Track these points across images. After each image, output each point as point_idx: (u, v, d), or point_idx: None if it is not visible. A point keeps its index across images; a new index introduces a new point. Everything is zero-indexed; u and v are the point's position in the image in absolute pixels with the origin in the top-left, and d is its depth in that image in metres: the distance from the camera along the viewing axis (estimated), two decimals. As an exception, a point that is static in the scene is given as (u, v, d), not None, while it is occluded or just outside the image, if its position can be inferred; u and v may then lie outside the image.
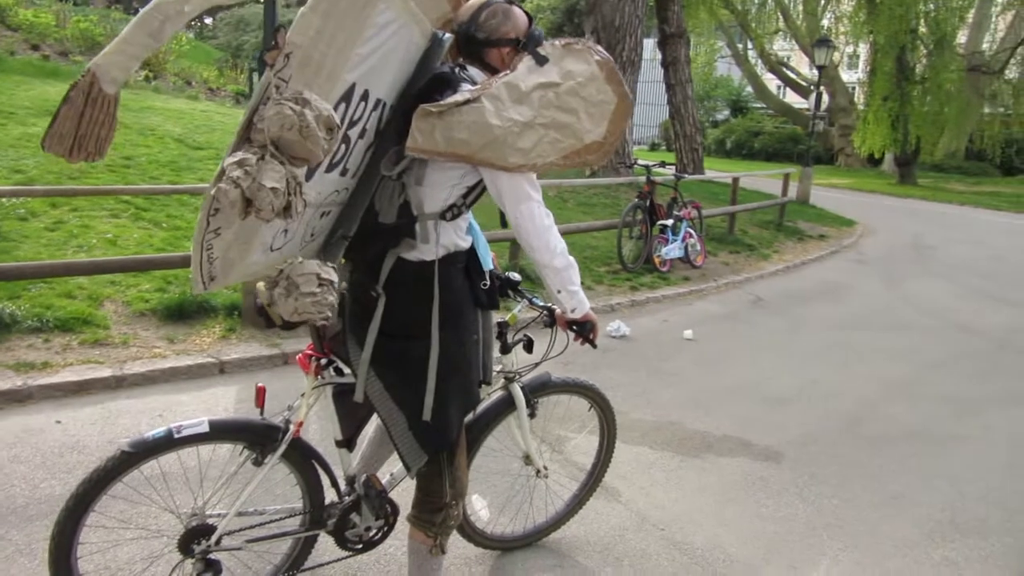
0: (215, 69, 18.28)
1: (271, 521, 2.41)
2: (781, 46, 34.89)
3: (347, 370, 2.37)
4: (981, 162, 30.59)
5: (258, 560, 2.55)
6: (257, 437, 2.25)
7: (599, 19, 13.45)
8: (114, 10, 20.85)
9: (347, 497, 2.46)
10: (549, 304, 2.60)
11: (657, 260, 8.93)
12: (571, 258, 2.27)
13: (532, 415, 2.84)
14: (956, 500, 3.91)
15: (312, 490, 2.41)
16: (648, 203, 8.98)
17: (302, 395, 2.31)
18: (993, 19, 28.69)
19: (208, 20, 46.97)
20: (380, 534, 2.52)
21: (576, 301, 2.32)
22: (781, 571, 3.15)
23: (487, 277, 2.30)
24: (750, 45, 31.37)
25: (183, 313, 5.40)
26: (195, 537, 2.21)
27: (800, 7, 28.57)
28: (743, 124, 38.54)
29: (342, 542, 2.48)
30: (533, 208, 2.14)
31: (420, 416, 2.16)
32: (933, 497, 3.92)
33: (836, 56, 30.94)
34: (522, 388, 2.78)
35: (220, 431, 2.19)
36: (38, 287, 5.42)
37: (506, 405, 2.76)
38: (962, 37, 26.38)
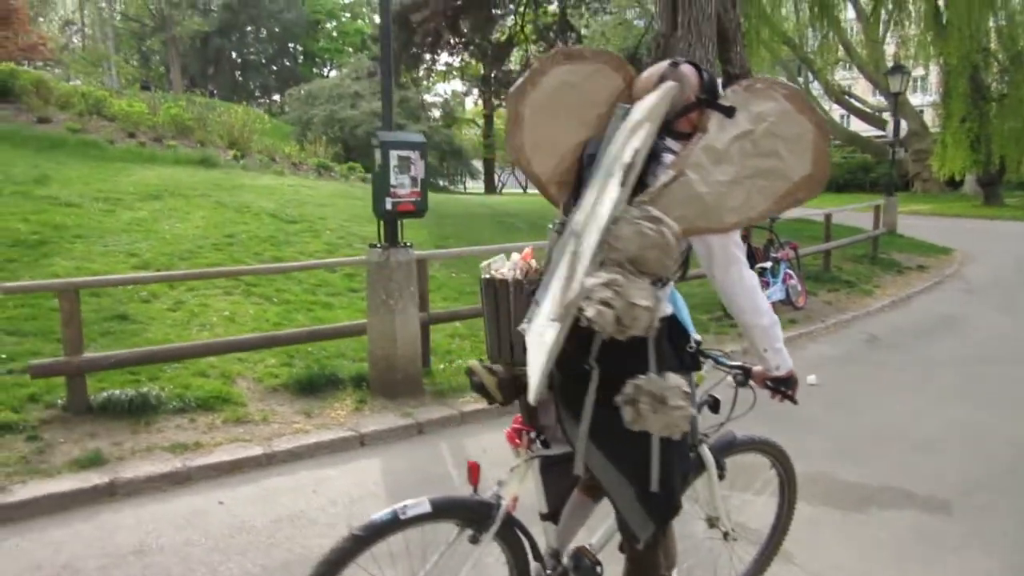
0: (295, 144, 19.00)
1: None
2: (843, 75, 34.43)
3: (554, 444, 2.34)
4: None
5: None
6: (474, 514, 2.24)
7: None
8: (197, 93, 21.99)
9: (552, 571, 2.42)
10: (741, 363, 2.53)
11: (760, 303, 8.72)
12: (776, 316, 2.21)
13: (722, 477, 2.76)
14: None
15: (521, 565, 2.37)
16: (747, 247, 8.83)
17: (511, 469, 2.29)
18: None
19: (276, 97, 49.27)
20: None
21: (781, 358, 2.28)
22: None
23: (691, 340, 2.25)
24: (811, 77, 31.04)
25: (313, 387, 5.49)
26: None
27: (861, 36, 28.22)
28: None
29: None
30: (742, 270, 2.12)
31: (647, 486, 2.09)
32: None
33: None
34: (710, 449, 2.71)
35: (441, 510, 2.19)
36: (173, 367, 5.61)
37: (696, 468, 2.68)
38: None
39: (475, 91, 36.41)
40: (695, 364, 2.29)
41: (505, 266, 6.29)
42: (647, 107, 1.91)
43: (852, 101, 32.52)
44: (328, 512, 3.88)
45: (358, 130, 29.08)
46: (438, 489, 4.15)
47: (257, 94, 50.22)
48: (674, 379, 1.92)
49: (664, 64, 2.17)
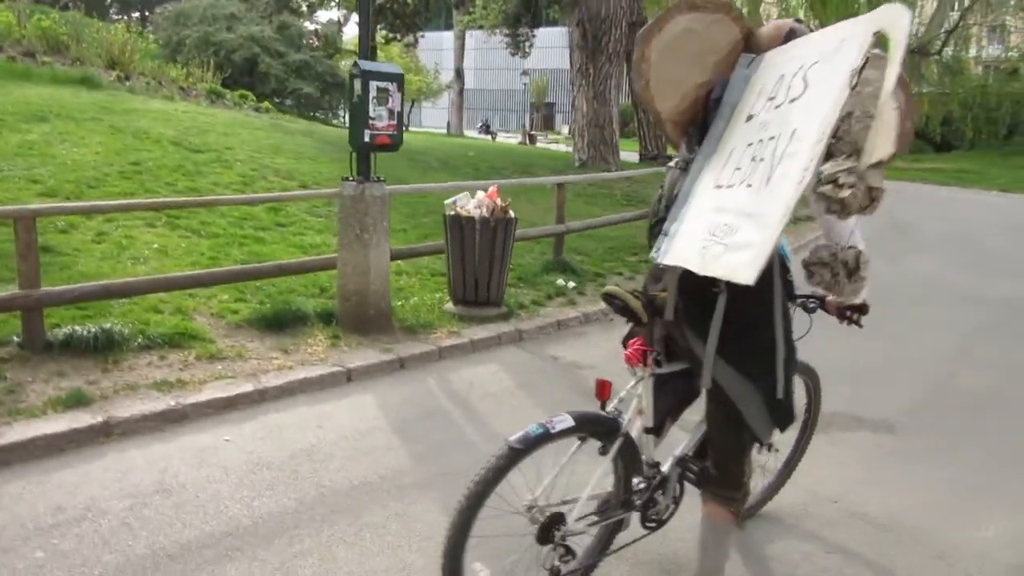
0: (181, 68, 17.66)
1: (601, 508, 2.57)
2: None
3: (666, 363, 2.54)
4: (916, 139, 32.06)
5: (578, 544, 2.53)
6: (604, 428, 2.45)
7: (584, 11, 13.59)
8: (74, 11, 19.88)
9: (653, 480, 2.60)
10: (812, 292, 2.65)
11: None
12: None
13: None
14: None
15: (628, 475, 2.55)
16: (671, 192, 9.20)
17: (629, 387, 2.56)
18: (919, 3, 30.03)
19: (136, 15, 45.15)
20: (670, 513, 2.70)
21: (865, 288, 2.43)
22: (958, 530, 3.38)
23: (790, 270, 2.43)
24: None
25: (280, 323, 5.33)
26: (552, 525, 2.36)
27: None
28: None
29: (644, 521, 2.64)
30: None
31: (774, 395, 2.31)
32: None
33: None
34: None
35: (581, 424, 2.38)
36: (122, 304, 5.27)
37: None
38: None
39: (354, 19, 34.94)
40: (793, 292, 2.49)
41: (471, 204, 6.29)
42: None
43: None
44: (342, 447, 3.86)
45: (236, 55, 27.36)
46: (440, 421, 4.25)
47: (114, 10, 45.84)
48: (868, 254, 2.18)
49: (789, 21, 2.34)
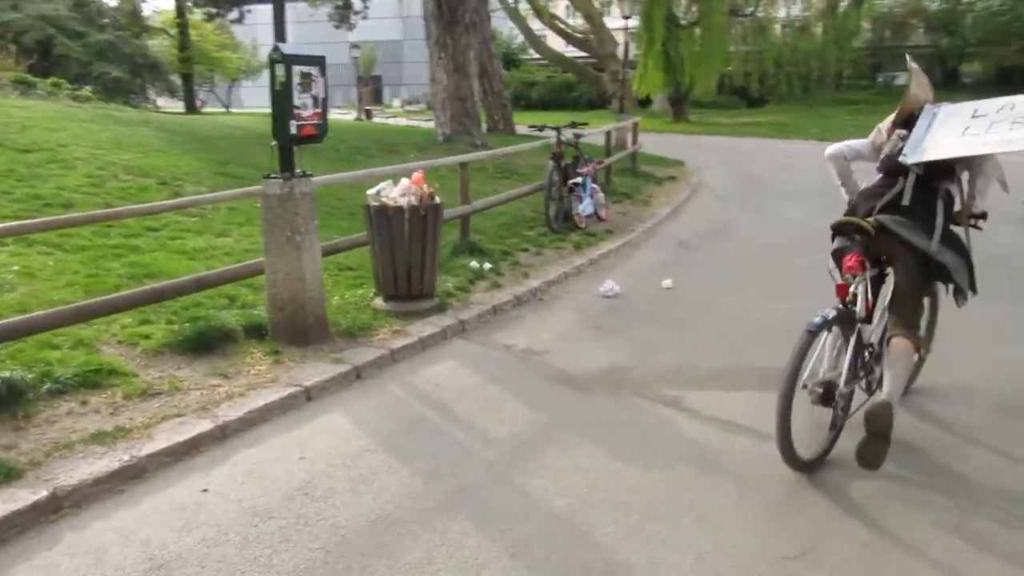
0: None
1: (849, 377, 3.52)
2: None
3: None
4: (731, 96, 34.34)
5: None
6: (849, 319, 3.54)
7: (439, -19, 13.14)
8: None
9: (870, 356, 3.70)
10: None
11: (577, 218, 9.18)
12: None
13: None
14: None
15: (855, 353, 3.55)
16: (560, 165, 9.15)
17: (859, 289, 3.58)
18: None
19: None
20: (878, 383, 3.70)
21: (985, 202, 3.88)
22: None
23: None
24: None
25: (205, 344, 4.71)
26: (830, 391, 3.46)
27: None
28: (517, 76, 39.68)
29: (867, 387, 3.76)
30: None
31: (972, 265, 3.68)
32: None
33: (599, 4, 32.82)
34: None
35: (837, 317, 3.47)
36: (5, 344, 4.43)
37: None
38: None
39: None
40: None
41: (395, 191, 5.88)
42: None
43: (557, 23, 34.39)
44: (338, 478, 3.45)
45: (26, 37, 24.27)
46: (427, 431, 3.94)
47: None
48: None
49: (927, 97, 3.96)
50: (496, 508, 3.24)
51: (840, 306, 3.49)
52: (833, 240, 3.78)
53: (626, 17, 17.74)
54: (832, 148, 4.10)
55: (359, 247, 6.16)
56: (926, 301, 3.99)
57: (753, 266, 7.79)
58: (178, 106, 34.66)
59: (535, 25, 35.16)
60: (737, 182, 14.12)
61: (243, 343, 4.84)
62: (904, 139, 3.73)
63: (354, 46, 36.03)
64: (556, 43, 37.89)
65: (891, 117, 3.98)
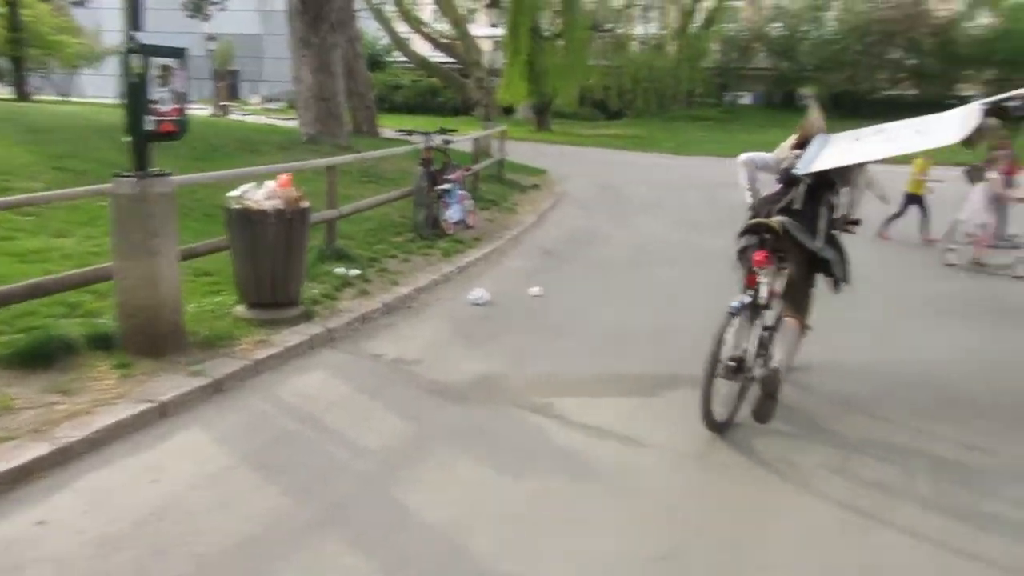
0: None
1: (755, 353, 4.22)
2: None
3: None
4: (592, 108, 35.49)
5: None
6: (756, 305, 4.20)
7: (302, -25, 12.70)
8: None
9: (769, 335, 4.30)
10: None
11: (445, 225, 9.15)
12: None
13: None
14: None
15: (758, 331, 4.22)
16: (430, 170, 9.10)
17: (761, 281, 4.19)
18: None
19: None
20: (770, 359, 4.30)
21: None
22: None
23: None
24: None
25: (42, 357, 4.29)
26: (740, 366, 4.09)
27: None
28: (382, 78, 39.12)
29: (763, 363, 4.24)
30: None
31: (846, 259, 4.56)
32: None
33: (465, 12, 32.98)
34: None
35: (748, 304, 4.14)
36: None
37: None
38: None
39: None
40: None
41: (259, 194, 5.64)
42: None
43: (423, 27, 34.21)
44: (197, 500, 3.23)
45: None
46: (295, 446, 3.82)
47: None
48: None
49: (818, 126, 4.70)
50: (371, 524, 3.14)
51: (748, 296, 4.13)
52: (740, 239, 4.44)
53: (493, 26, 17.90)
54: (744, 156, 4.73)
55: (218, 252, 5.83)
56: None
57: (618, 275, 8.06)
58: (6, 92, 31.60)
59: (401, 28, 34.82)
60: (599, 192, 14.59)
61: (87, 355, 4.44)
62: (798, 157, 4.49)
63: (210, 38, 34.25)
64: (422, 47, 37.68)
65: (791, 139, 4.70)
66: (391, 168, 12.76)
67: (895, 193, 9.46)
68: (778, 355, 4.28)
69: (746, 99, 40.80)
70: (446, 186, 9.29)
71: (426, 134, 9.42)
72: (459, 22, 30.91)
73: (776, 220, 4.26)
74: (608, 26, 30.15)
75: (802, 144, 4.59)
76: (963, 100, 36.70)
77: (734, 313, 4.02)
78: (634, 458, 3.89)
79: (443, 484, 3.51)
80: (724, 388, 4.12)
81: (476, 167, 11.88)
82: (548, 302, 6.87)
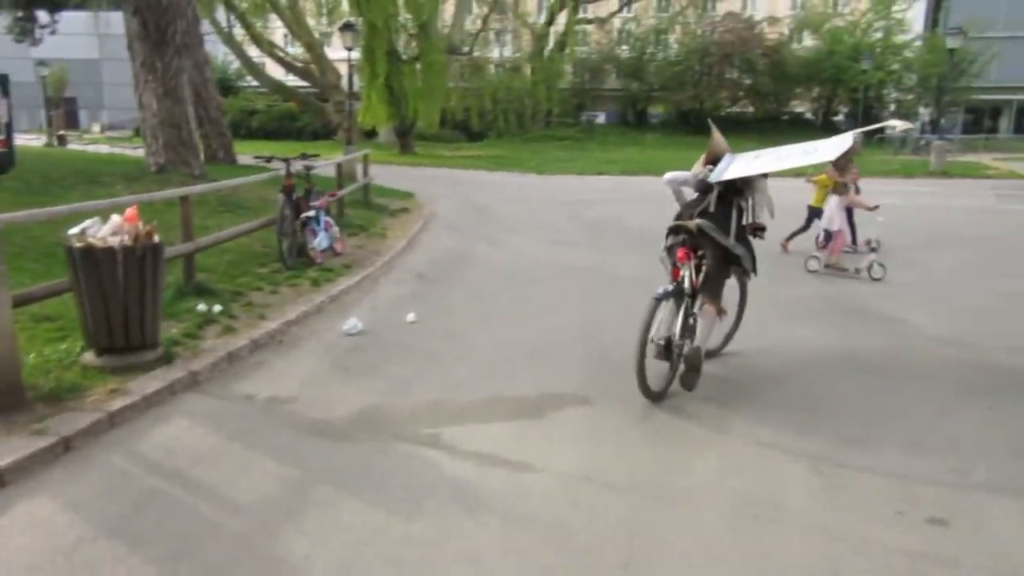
0: None
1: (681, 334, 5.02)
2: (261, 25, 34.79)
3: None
4: (454, 130, 35.72)
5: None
6: (680, 291, 4.98)
7: (142, -3, 11.96)
8: None
9: (693, 319, 5.10)
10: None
11: (312, 253, 8.82)
12: None
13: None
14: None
15: (685, 315, 5.00)
16: (290, 198, 8.75)
17: (686, 272, 5.03)
18: (474, 8, 33.32)
19: None
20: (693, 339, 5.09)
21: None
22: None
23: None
24: (235, 23, 30.75)
25: None
26: (669, 346, 4.94)
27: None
28: (236, 104, 37.71)
29: (691, 336, 5.08)
30: None
31: (754, 255, 5.35)
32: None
33: (319, 35, 32.41)
34: None
35: (672, 291, 4.91)
36: None
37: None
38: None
39: None
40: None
41: (104, 230, 5.22)
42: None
43: (277, 51, 33.27)
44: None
45: None
46: (162, 507, 3.50)
47: None
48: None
49: (725, 147, 5.45)
50: (252, 587, 2.89)
51: (674, 285, 4.94)
52: (667, 239, 5.25)
53: (348, 49, 17.62)
54: (668, 176, 5.62)
55: (59, 294, 5.30)
56: (738, 289, 5.89)
57: (493, 295, 8.03)
58: None
59: (252, 52, 33.71)
60: (467, 213, 14.59)
61: (-97, 423, 3.88)
62: (711, 171, 5.33)
63: (41, 63, 31.76)
64: (276, 71, 36.65)
65: (703, 158, 5.50)
66: (251, 196, 12.23)
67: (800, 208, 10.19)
68: (698, 335, 5.07)
69: (601, 118, 42.42)
70: (311, 213, 8.96)
71: (286, 160, 9.05)
72: (313, 46, 30.31)
73: (693, 223, 5.05)
74: (465, 49, 30.44)
75: (712, 161, 5.37)
76: (796, 116, 40.05)
77: (659, 299, 4.77)
78: (527, 483, 3.82)
79: (329, 533, 3.29)
80: (656, 366, 4.94)
81: (341, 192, 11.57)
82: (425, 328, 6.72)
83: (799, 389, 5.36)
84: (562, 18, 35.06)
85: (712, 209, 5.13)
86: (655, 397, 4.88)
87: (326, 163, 12.15)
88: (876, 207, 9.24)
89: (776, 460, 4.18)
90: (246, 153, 20.93)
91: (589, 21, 40.57)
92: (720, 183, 5.18)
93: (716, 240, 5.05)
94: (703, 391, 5.05)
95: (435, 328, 6.71)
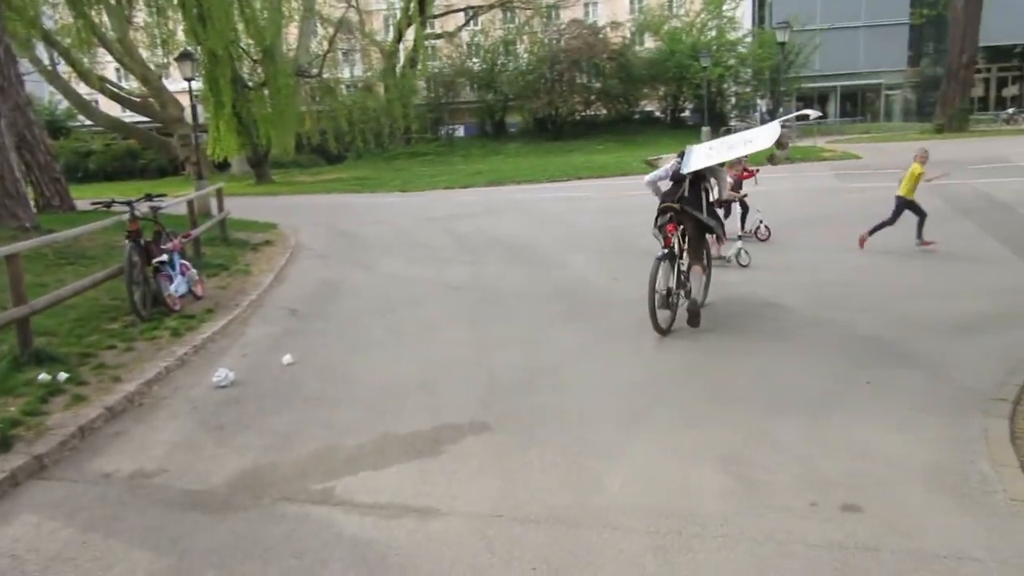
0: None
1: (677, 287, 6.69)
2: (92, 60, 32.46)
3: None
4: (311, 154, 34.69)
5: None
6: (672, 255, 6.55)
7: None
8: None
9: (685, 275, 6.76)
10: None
11: (170, 300, 8.11)
12: None
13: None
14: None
15: (678, 275, 6.62)
16: (141, 242, 8.01)
17: (675, 240, 6.61)
18: (318, 28, 32.38)
19: None
20: (687, 293, 6.79)
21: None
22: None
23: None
24: (60, 60, 28.50)
25: None
26: (669, 296, 6.55)
27: (106, 18, 27.02)
28: (68, 145, 34.99)
29: (686, 294, 6.74)
30: None
31: (723, 228, 7.25)
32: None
33: (154, 67, 30.61)
34: None
35: (668, 254, 6.47)
36: None
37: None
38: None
39: None
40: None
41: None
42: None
43: (109, 87, 31.09)
44: None
45: None
46: None
47: None
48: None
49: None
50: None
51: (668, 250, 6.51)
52: (657, 220, 6.78)
53: (188, 79, 16.64)
54: (647, 178, 7.26)
55: None
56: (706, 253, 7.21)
57: (372, 324, 7.66)
58: None
59: (83, 89, 31.36)
60: (334, 239, 14.04)
61: None
62: (679, 162, 6.80)
63: None
64: (112, 108, 34.29)
65: (675, 155, 7.03)
66: (94, 245, 11.19)
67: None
68: (694, 291, 6.84)
69: (460, 131, 42.48)
70: (163, 257, 8.23)
71: (129, 203, 8.28)
72: (149, 78, 28.56)
73: (677, 204, 6.65)
74: (313, 71, 29.59)
75: (681, 156, 6.85)
76: (647, 114, 41.67)
77: (659, 260, 6.40)
78: (436, 532, 3.53)
79: (218, 626, 2.88)
80: (662, 314, 6.52)
81: (196, 231, 10.77)
82: (304, 368, 6.27)
83: (700, 388, 5.35)
84: (410, 34, 34.80)
85: (687, 194, 6.69)
86: (664, 333, 6.52)
87: (176, 201, 11.33)
88: (745, 195, 10.03)
89: (687, 466, 4.09)
90: (85, 198, 19.28)
91: (438, 36, 40.53)
92: (690, 172, 6.67)
93: (694, 216, 6.63)
94: (602, 402, 4.93)
95: (314, 368, 6.28)
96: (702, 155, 6.72)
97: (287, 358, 6.46)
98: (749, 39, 39.41)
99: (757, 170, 11.11)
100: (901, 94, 46.25)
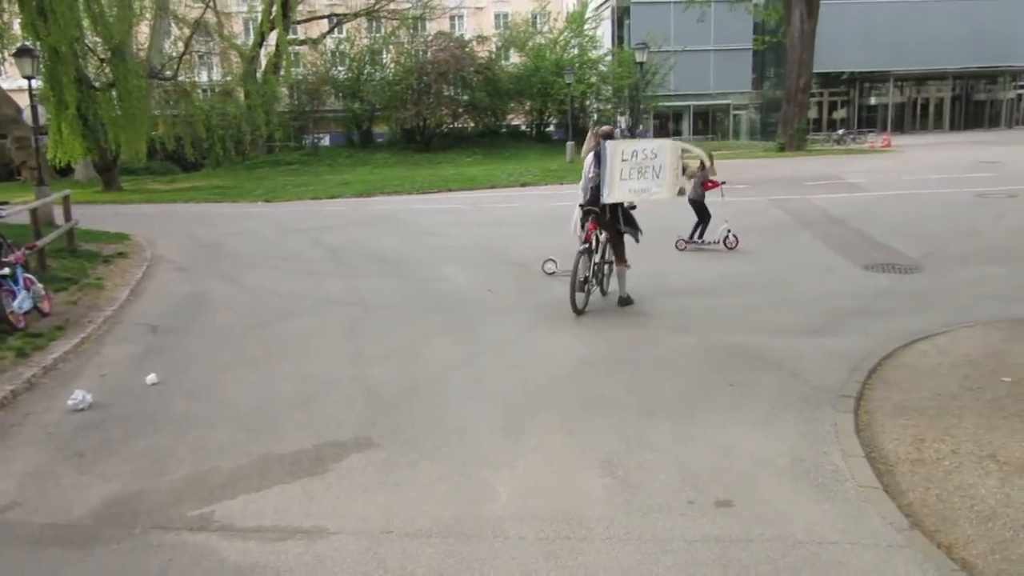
0: None
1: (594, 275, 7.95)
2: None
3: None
4: (165, 161, 32.82)
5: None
6: (592, 252, 7.90)
7: None
8: None
9: (603, 267, 8.23)
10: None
11: (13, 318, 7.45)
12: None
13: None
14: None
15: (599, 266, 8.14)
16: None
17: (598, 240, 7.97)
18: (172, 29, 30.57)
19: None
20: (604, 285, 8.37)
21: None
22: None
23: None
24: None
25: None
26: (586, 282, 7.83)
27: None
28: None
29: (601, 288, 8.29)
30: None
31: (638, 230, 8.14)
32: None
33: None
34: None
35: (589, 248, 7.80)
36: None
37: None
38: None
39: None
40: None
41: None
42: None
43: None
44: None
45: None
46: None
47: None
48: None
49: (609, 128, 8.46)
50: None
51: (587, 245, 7.71)
52: (580, 219, 7.93)
53: (28, 78, 15.36)
54: (581, 185, 8.07)
55: None
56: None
57: (242, 339, 7.37)
58: None
59: None
60: (195, 251, 13.36)
61: None
62: (598, 174, 7.76)
63: None
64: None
65: (587, 146, 8.13)
66: (-84, 259, 10.08)
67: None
68: (620, 287, 8.11)
69: (326, 140, 41.54)
70: (4, 271, 7.57)
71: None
72: (-26, 75, 26.08)
73: (598, 208, 7.73)
74: (168, 73, 28.02)
75: (596, 148, 7.80)
76: (514, 128, 42.42)
77: (581, 253, 7.59)
78: (325, 552, 3.46)
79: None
80: (579, 296, 7.64)
81: (40, 242, 9.95)
82: (171, 388, 5.95)
83: (578, 395, 5.53)
84: (272, 39, 33.72)
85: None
86: (580, 313, 7.63)
87: (15, 210, 10.41)
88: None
89: (571, 471, 4.23)
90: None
91: (301, 42, 39.50)
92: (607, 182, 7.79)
93: (613, 223, 7.85)
94: (484, 413, 5.00)
95: (182, 387, 5.98)
96: (615, 167, 7.66)
97: (151, 377, 6.11)
98: (609, 58, 41.04)
99: (724, 182, 11.59)
100: (747, 114, 49.66)
